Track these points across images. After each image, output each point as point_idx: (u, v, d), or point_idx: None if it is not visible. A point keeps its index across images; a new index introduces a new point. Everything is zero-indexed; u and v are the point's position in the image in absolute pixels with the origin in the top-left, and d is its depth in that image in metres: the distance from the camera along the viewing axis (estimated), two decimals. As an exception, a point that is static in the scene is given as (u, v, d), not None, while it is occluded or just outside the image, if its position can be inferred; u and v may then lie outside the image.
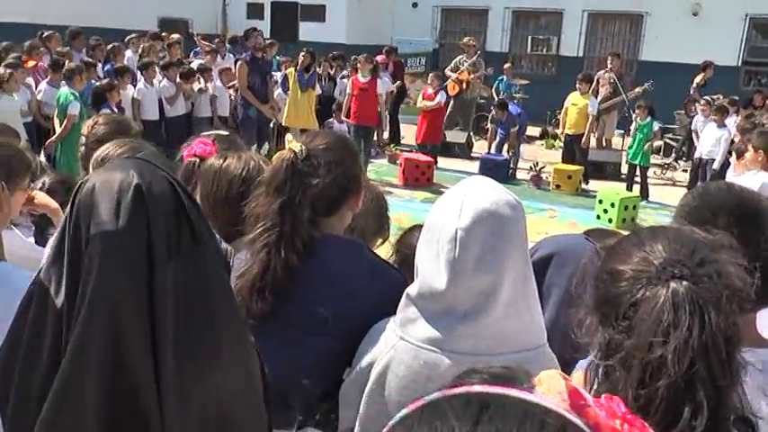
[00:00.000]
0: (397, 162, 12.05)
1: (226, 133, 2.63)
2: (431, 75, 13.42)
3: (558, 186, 11.49)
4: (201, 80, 11.22)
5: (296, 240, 1.88)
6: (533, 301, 1.72)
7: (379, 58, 14.47)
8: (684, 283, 1.12)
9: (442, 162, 12.66)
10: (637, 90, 13.17)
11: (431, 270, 1.68)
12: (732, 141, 9.09)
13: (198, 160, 2.34)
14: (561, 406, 0.63)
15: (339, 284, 1.92)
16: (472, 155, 13.61)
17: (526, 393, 0.64)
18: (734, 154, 5.96)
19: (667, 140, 14.27)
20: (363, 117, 11.47)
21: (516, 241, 1.65)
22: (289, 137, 2.09)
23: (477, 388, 0.66)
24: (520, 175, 12.28)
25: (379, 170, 12.21)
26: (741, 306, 1.15)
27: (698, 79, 13.54)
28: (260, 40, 11.69)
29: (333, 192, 1.96)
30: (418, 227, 2.22)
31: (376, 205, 2.63)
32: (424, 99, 12.59)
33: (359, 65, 11.96)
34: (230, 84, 11.53)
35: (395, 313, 1.80)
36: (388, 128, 14.30)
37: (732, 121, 10.33)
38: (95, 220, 1.34)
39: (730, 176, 6.25)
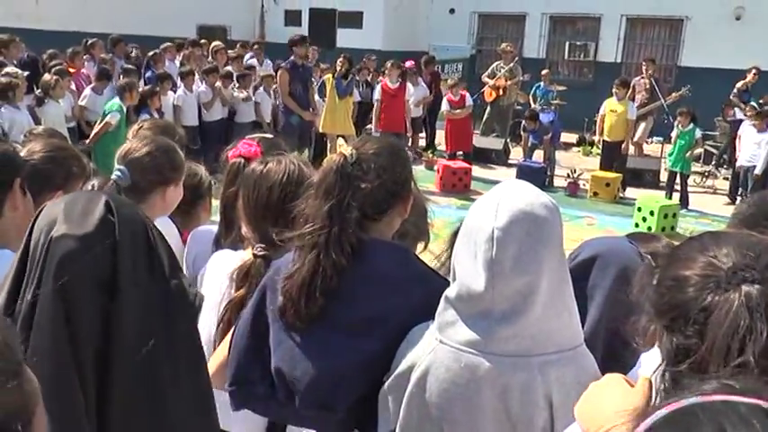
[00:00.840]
0: (434, 168, 12.06)
1: (270, 136, 2.67)
2: (449, 81, 13.32)
3: (595, 194, 11.39)
4: (239, 87, 11.34)
5: (344, 242, 1.89)
6: (570, 301, 1.74)
7: (408, 63, 14.52)
8: (757, 286, 1.12)
9: (479, 170, 12.65)
10: (674, 95, 13.05)
11: (469, 272, 1.70)
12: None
13: (243, 161, 2.39)
14: None
15: (385, 287, 1.94)
16: (509, 161, 13.57)
17: None
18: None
19: (708, 148, 14.05)
20: (390, 123, 11.48)
21: (552, 242, 1.68)
22: (340, 141, 2.10)
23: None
24: (557, 182, 12.20)
25: (416, 176, 12.17)
26: None
27: (739, 84, 13.35)
28: (306, 50, 11.65)
29: (381, 196, 1.97)
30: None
31: (418, 211, 2.65)
32: (450, 106, 12.52)
33: (386, 71, 11.97)
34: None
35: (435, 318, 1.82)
36: (425, 134, 14.32)
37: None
38: (60, 227, 1.31)
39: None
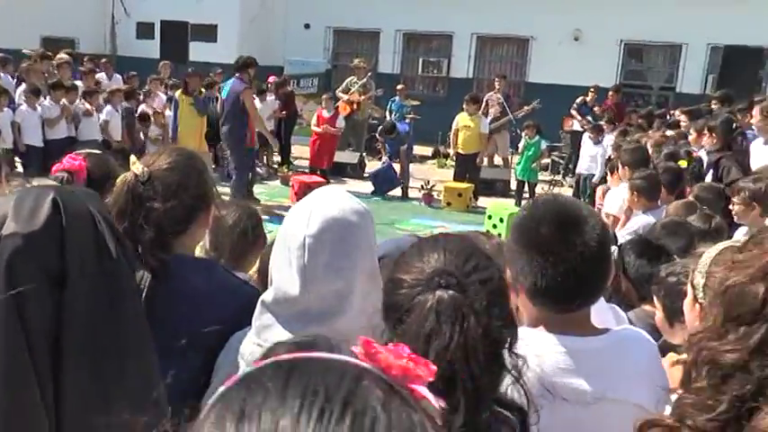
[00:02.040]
0: (290, 183, 12.02)
1: (99, 152, 2.57)
2: (324, 97, 13.46)
3: (448, 204, 11.73)
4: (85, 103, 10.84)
5: (144, 267, 1.87)
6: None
7: (271, 78, 14.44)
8: (450, 291, 1.21)
9: (336, 184, 12.72)
10: (526, 108, 13.69)
11: (284, 277, 1.72)
12: (609, 158, 9.56)
13: (66, 175, 2.28)
14: (357, 357, 0.71)
15: (196, 302, 1.92)
16: (365, 175, 13.74)
17: (327, 354, 0.71)
18: (608, 169, 6.31)
19: (554, 158, 14.86)
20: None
21: (364, 246, 1.72)
22: (132, 158, 2.03)
23: (285, 356, 0.71)
24: (412, 193, 12.47)
25: (272, 191, 12.15)
26: (504, 310, 1.26)
27: (579, 99, 14.18)
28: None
29: (179, 212, 1.94)
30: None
31: (247, 224, 2.64)
32: (321, 122, 12.55)
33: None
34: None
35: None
36: (277, 149, 14.21)
37: (609, 138, 10.87)
38: (9, 224, 1.38)
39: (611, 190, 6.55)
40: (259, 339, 1.77)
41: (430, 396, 0.71)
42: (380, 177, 12.41)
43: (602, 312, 1.95)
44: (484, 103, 13.60)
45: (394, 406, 0.64)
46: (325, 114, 11.60)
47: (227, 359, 1.87)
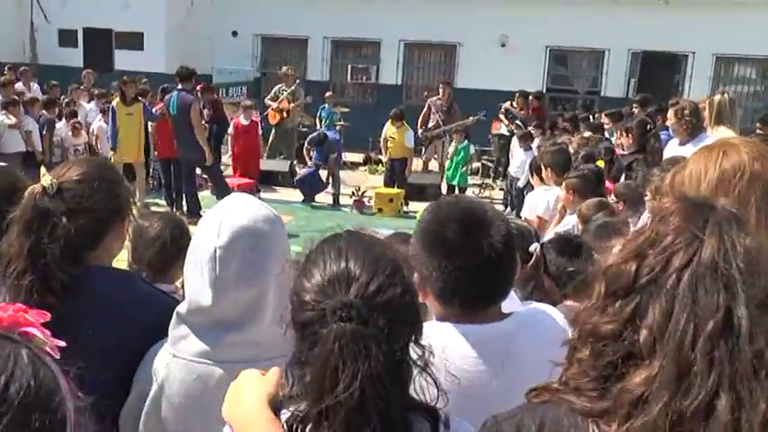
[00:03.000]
0: (220, 191, 11.88)
1: (2, 164, 2.49)
2: (242, 104, 13.22)
3: (380, 210, 11.77)
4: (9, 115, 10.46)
5: (52, 282, 1.81)
6: None
7: (200, 87, 14.21)
8: (351, 325, 1.20)
9: (266, 193, 12.64)
10: (470, 119, 13.74)
11: (197, 288, 1.71)
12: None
13: None
14: None
15: (110, 314, 1.87)
16: (295, 183, 13.66)
17: None
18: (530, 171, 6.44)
19: (484, 162, 15.06)
20: (166, 148, 11.08)
21: (276, 255, 1.71)
22: (43, 170, 1.97)
23: None
24: (343, 200, 12.46)
25: (203, 201, 11.97)
26: (414, 321, 1.30)
27: (506, 104, 14.41)
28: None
29: (91, 225, 1.89)
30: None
31: (169, 235, 2.60)
32: (238, 131, 12.36)
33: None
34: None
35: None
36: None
37: (536, 144, 11.10)
38: None
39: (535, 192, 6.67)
40: (174, 350, 1.77)
41: (39, 333, 0.86)
42: (306, 182, 12.37)
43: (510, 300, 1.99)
44: (426, 107, 13.68)
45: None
46: (243, 122, 11.40)
47: (142, 372, 1.84)
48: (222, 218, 1.69)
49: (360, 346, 1.18)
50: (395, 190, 12.13)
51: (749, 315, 1.05)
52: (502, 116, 14.12)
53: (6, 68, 14.14)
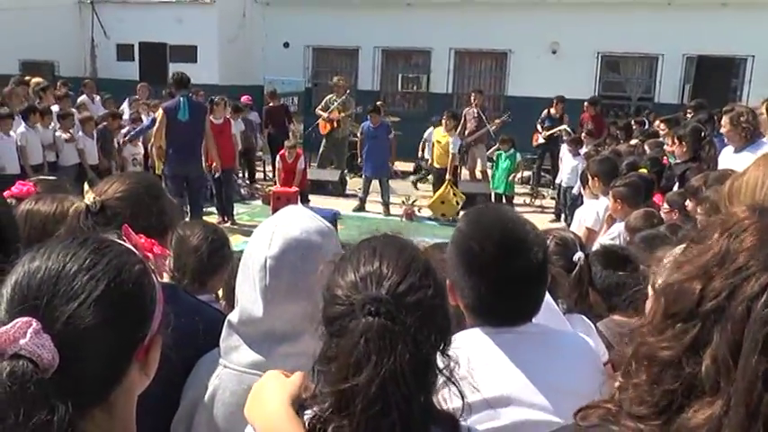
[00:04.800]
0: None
1: (52, 178, 2.57)
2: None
3: (443, 215, 11.82)
4: (60, 127, 10.71)
5: None
6: None
7: (244, 98, 14.41)
8: (379, 319, 1.21)
9: (316, 200, 12.73)
10: (497, 122, 13.75)
11: (248, 298, 1.74)
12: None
13: (15, 201, 2.28)
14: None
15: None
16: (347, 192, 13.74)
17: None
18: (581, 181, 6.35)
19: (535, 170, 14.93)
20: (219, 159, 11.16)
21: None
22: (86, 187, 2.02)
23: None
24: (393, 210, 12.46)
25: (253, 211, 12.13)
26: (437, 328, 1.27)
27: (544, 113, 14.30)
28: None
29: None
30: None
31: (211, 246, 2.64)
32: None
33: (214, 107, 11.64)
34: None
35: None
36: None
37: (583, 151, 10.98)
38: None
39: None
40: (225, 360, 1.79)
41: (152, 259, 1.28)
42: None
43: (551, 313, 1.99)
44: (462, 118, 13.70)
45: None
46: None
47: (193, 382, 1.87)
48: (275, 229, 1.72)
49: (386, 341, 1.19)
50: (439, 191, 12.06)
51: None
52: (539, 125, 14.02)
53: (60, 83, 14.55)
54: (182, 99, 9.58)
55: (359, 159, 13.38)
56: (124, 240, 1.24)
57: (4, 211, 1.81)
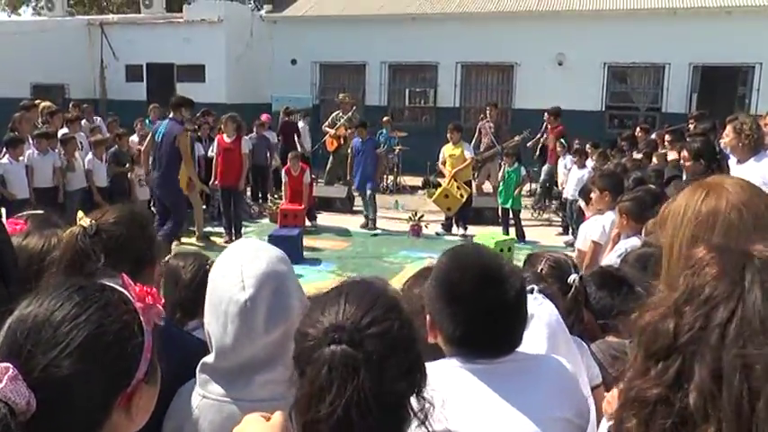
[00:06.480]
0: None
1: (40, 212, 2.60)
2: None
3: (449, 209, 11.83)
4: (64, 153, 10.70)
5: None
6: None
7: (264, 116, 14.44)
8: (342, 347, 1.24)
9: (324, 217, 12.78)
10: (516, 139, 13.71)
11: (223, 337, 1.75)
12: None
13: None
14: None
15: None
16: (354, 209, 13.76)
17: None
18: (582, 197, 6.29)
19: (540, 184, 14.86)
20: (228, 177, 11.22)
21: (295, 292, 1.77)
22: (80, 213, 2.08)
23: None
24: (401, 226, 12.41)
25: (261, 230, 12.14)
26: (404, 362, 1.29)
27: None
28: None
29: (127, 265, 1.96)
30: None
31: (205, 277, 2.65)
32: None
33: (222, 125, 11.70)
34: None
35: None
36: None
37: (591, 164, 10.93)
38: None
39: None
40: (203, 390, 1.81)
41: (140, 309, 1.29)
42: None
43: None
44: (477, 132, 13.69)
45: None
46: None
47: (174, 411, 1.88)
48: (241, 268, 1.74)
49: (348, 368, 1.21)
50: (441, 185, 11.99)
51: None
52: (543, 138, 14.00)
53: (71, 105, 14.67)
54: (164, 122, 10.01)
55: (347, 176, 13.36)
56: (125, 287, 1.29)
57: (4, 239, 1.84)
